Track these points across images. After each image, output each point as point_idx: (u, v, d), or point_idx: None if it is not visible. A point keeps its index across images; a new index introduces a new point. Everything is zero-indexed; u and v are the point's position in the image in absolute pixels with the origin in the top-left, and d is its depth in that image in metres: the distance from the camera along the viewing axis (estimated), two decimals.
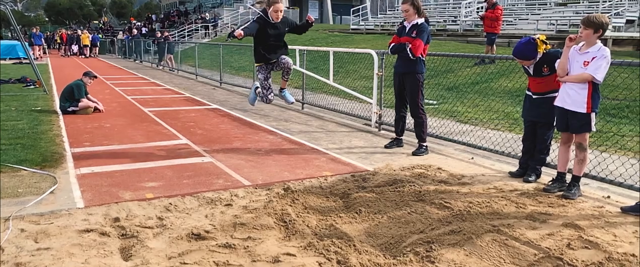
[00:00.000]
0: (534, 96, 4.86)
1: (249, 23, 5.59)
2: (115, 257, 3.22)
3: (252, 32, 5.51)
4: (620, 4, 17.43)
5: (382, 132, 7.53)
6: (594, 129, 4.41)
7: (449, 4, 24.91)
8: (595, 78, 4.22)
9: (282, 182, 4.86)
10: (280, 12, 5.48)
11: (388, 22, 25.39)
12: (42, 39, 31.58)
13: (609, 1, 17.20)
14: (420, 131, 6.17)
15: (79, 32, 37.84)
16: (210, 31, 34.12)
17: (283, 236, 3.59)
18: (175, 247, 3.35)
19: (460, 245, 3.35)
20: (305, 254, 3.28)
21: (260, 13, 5.57)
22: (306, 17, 5.81)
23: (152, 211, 4.03)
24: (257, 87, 6.16)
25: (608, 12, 15.93)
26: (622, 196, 4.50)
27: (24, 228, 3.60)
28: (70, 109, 8.75)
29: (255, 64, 5.98)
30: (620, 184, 4.61)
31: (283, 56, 5.84)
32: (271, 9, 5.46)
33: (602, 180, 4.75)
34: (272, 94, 6.10)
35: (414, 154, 6.10)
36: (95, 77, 9.70)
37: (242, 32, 5.22)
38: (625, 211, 4.04)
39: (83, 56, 32.54)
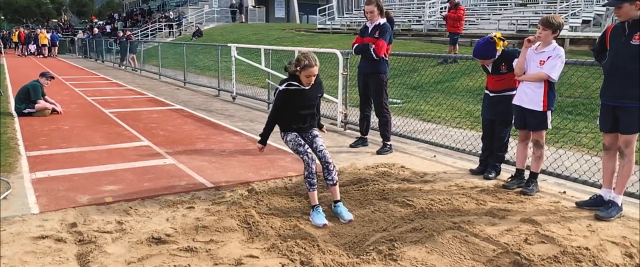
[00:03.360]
0: (491, 94, 4.97)
1: (270, 115, 4.23)
2: (71, 264, 3.12)
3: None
4: (576, 4, 18.05)
5: (348, 131, 7.56)
6: (550, 126, 4.55)
7: (413, 4, 25.25)
8: (551, 77, 4.35)
9: (246, 183, 4.82)
10: (314, 76, 4.09)
11: (354, 22, 25.54)
12: None
13: (567, 2, 17.79)
14: (385, 130, 6.23)
15: (37, 31, 36.58)
16: (174, 30, 33.55)
17: (246, 238, 3.55)
18: (135, 252, 3.27)
19: (422, 242, 3.39)
20: (268, 255, 3.26)
21: (291, 85, 4.08)
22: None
23: (111, 215, 3.93)
24: (314, 205, 4.07)
25: (565, 13, 16.46)
26: (578, 191, 4.65)
27: None
28: (26, 110, 8.45)
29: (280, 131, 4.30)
30: (575, 180, 4.77)
31: (318, 140, 4.23)
32: (303, 73, 4.04)
33: (559, 176, 4.91)
34: (311, 153, 4.11)
35: (378, 152, 6.15)
36: (53, 77, 9.39)
37: (261, 145, 4.27)
38: (580, 205, 4.18)
39: (41, 56, 31.49)
